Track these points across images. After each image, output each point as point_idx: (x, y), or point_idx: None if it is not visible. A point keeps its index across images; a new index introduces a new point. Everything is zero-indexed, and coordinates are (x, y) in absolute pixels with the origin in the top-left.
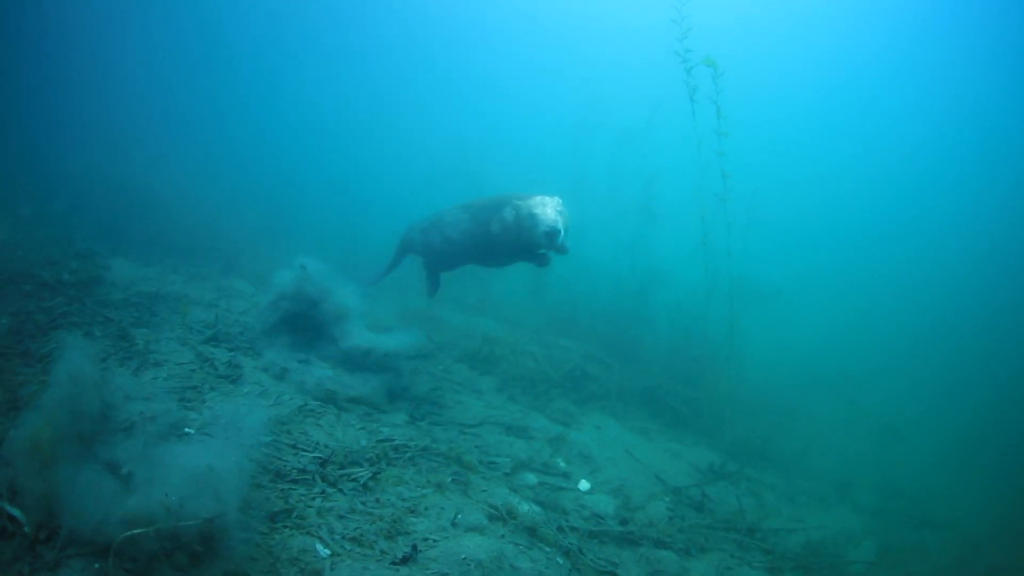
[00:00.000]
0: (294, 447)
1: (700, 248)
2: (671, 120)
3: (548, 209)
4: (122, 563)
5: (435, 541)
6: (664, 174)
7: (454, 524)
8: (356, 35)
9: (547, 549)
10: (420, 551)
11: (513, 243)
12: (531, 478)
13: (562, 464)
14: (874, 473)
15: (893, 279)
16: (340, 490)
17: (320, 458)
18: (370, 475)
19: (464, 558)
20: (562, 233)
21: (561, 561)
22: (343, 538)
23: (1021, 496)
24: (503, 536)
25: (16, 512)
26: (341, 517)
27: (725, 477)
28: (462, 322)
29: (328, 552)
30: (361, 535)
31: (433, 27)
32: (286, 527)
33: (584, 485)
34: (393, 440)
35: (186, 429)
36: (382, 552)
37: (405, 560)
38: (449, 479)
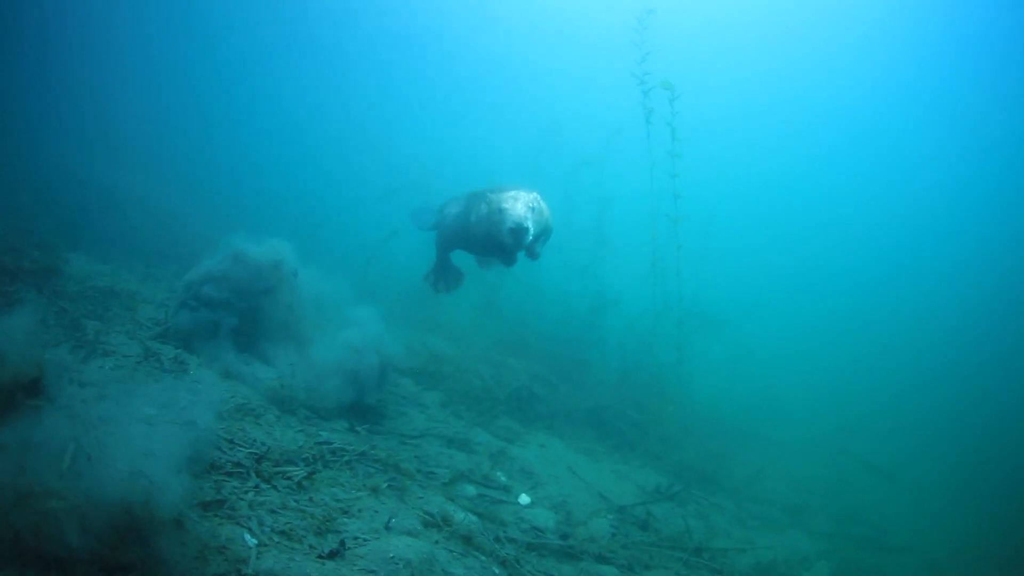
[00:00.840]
0: (231, 441)
1: (651, 272)
2: (630, 145)
3: (519, 204)
4: None
5: (365, 540)
6: (620, 199)
7: (387, 528)
8: (325, 47)
9: (482, 558)
10: (348, 548)
11: (484, 236)
12: (470, 489)
13: (503, 478)
14: (828, 498)
15: (844, 305)
16: (274, 486)
17: (256, 454)
18: (305, 474)
19: (392, 556)
20: (530, 232)
21: (497, 571)
22: (272, 531)
23: (982, 519)
24: (437, 542)
25: None
26: (272, 511)
27: (671, 498)
28: (409, 338)
29: (255, 542)
30: (291, 529)
31: (395, 46)
32: (217, 516)
33: (524, 499)
34: (332, 444)
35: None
36: (310, 547)
37: (332, 555)
38: (385, 485)
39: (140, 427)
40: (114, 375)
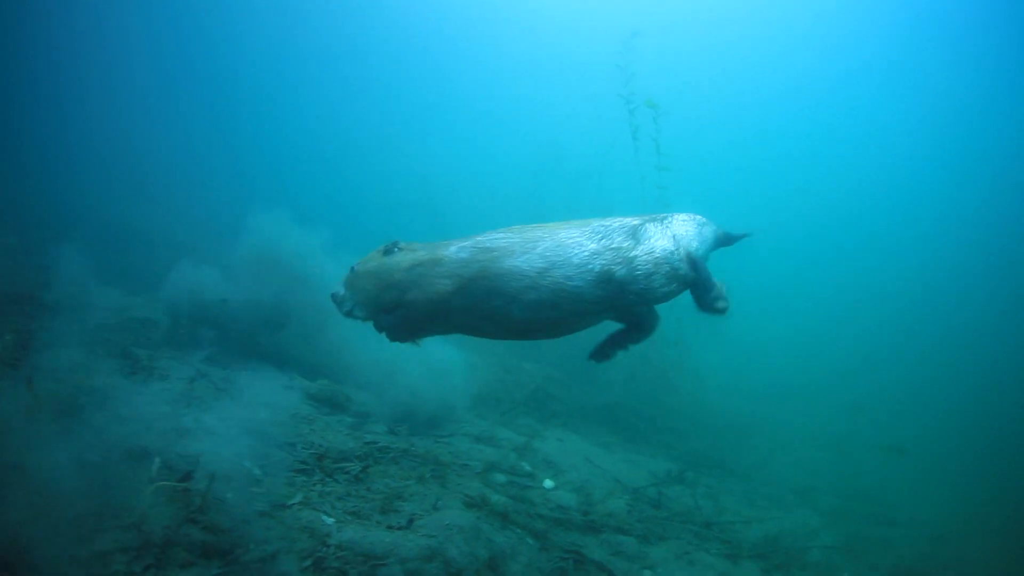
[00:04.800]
0: (292, 444)
1: None
2: (626, 157)
3: None
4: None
5: (421, 516)
6: (621, 207)
7: (435, 508)
8: (331, 63)
9: (518, 530)
10: (413, 520)
11: None
12: (500, 477)
13: (527, 467)
14: (835, 479)
15: (842, 296)
16: (335, 479)
17: (316, 454)
18: (360, 468)
19: (447, 524)
20: None
21: (531, 541)
22: (344, 512)
23: (989, 494)
24: (479, 518)
25: None
26: (339, 499)
27: (681, 481)
28: (430, 348)
29: (333, 520)
30: (359, 510)
31: (400, 63)
32: (295, 505)
33: (548, 483)
34: (377, 443)
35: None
36: (377, 522)
37: (402, 527)
38: (428, 474)
39: (213, 437)
40: (173, 396)
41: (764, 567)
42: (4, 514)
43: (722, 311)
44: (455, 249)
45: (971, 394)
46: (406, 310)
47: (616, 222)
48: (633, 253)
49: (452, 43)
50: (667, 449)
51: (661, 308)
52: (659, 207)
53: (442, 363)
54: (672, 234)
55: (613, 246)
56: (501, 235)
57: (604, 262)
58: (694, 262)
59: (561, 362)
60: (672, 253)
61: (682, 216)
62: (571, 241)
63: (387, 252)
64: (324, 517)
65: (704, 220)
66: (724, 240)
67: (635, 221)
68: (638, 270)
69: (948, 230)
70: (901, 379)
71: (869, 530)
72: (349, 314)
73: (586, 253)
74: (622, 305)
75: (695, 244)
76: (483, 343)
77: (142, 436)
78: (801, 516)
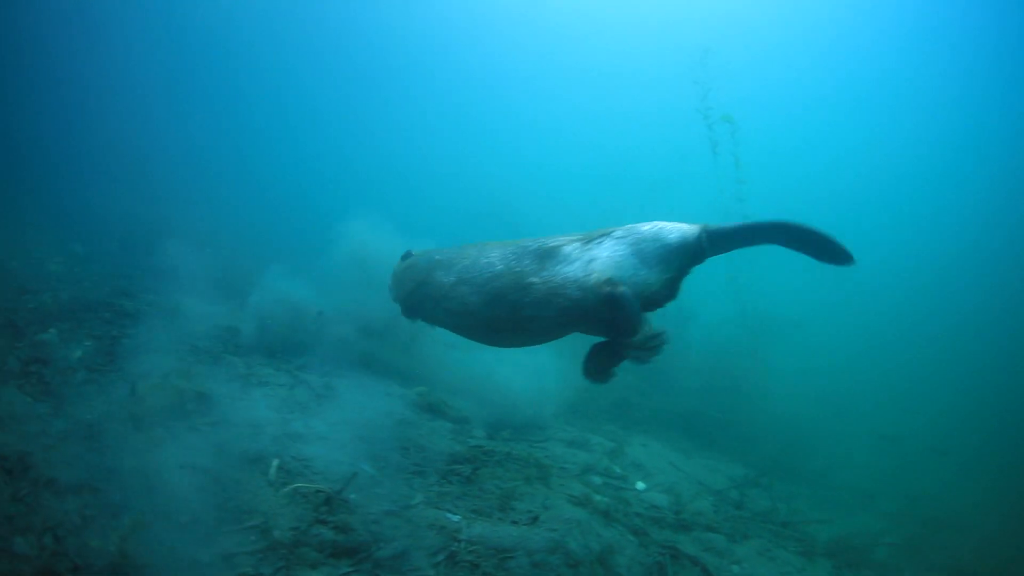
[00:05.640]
0: (405, 448)
1: (726, 286)
2: (695, 170)
3: None
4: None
5: (539, 512)
6: (692, 220)
7: (545, 507)
8: (395, 79)
9: (619, 528)
10: (537, 517)
11: None
12: (596, 479)
13: (618, 470)
14: (895, 485)
15: (909, 307)
16: (449, 481)
17: (429, 456)
18: (471, 471)
19: (567, 518)
20: None
21: (631, 538)
22: (466, 510)
23: None
24: (588, 515)
25: None
26: (458, 499)
27: (757, 485)
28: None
29: (459, 518)
30: (480, 508)
31: (473, 79)
32: (417, 505)
33: (640, 485)
34: (482, 447)
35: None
36: (499, 519)
37: (530, 521)
38: (533, 476)
39: (324, 441)
40: (275, 402)
41: (836, 564)
42: (117, 519)
43: (636, 357)
44: (425, 258)
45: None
46: (402, 301)
47: (536, 243)
48: (530, 280)
49: (529, 59)
50: (740, 455)
51: (737, 324)
52: (737, 217)
53: (533, 371)
54: (591, 257)
55: (516, 269)
56: (457, 249)
57: (500, 285)
58: (611, 295)
59: (640, 371)
60: (574, 281)
61: (620, 232)
62: (485, 262)
63: (403, 259)
64: (449, 515)
65: (647, 236)
66: (688, 252)
67: (560, 241)
68: (528, 296)
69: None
70: (953, 381)
71: (925, 532)
72: (394, 302)
73: (487, 275)
74: (546, 325)
75: (625, 270)
76: (569, 351)
77: (254, 440)
78: (864, 519)
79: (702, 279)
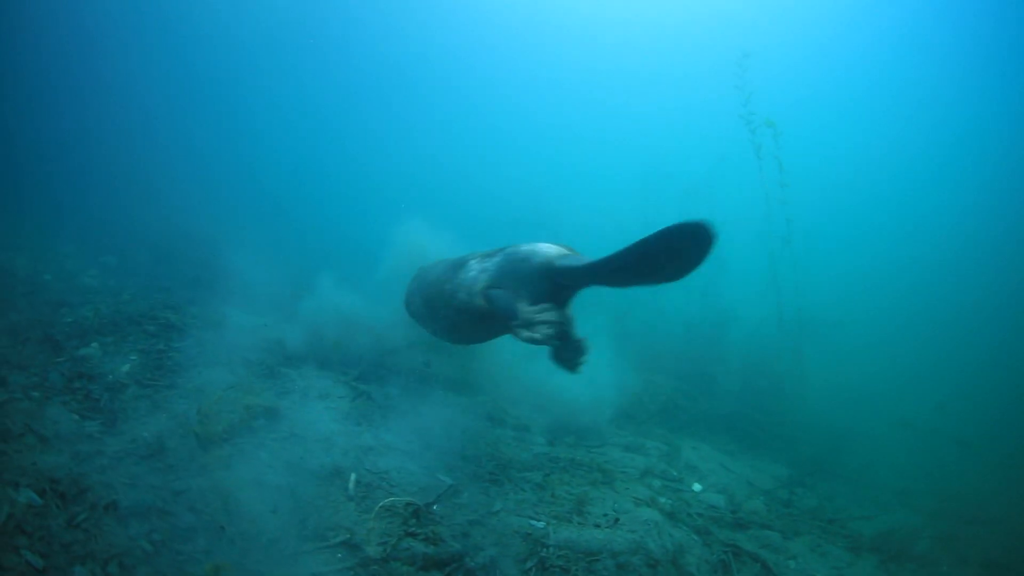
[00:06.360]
0: (476, 457)
1: (765, 288)
2: (733, 173)
3: None
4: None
5: (616, 515)
6: (730, 223)
7: (615, 509)
8: (446, 90)
9: (684, 528)
10: (618, 519)
11: None
12: (656, 482)
13: (675, 473)
14: (930, 482)
15: (948, 307)
16: (521, 488)
17: (499, 464)
18: (542, 477)
19: (645, 520)
20: None
21: (696, 537)
22: (547, 515)
23: None
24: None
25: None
26: (535, 505)
27: (802, 484)
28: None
29: (543, 524)
30: (558, 514)
31: (518, 89)
32: (499, 512)
33: (697, 487)
34: (547, 454)
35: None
36: (579, 523)
37: (612, 523)
38: (599, 480)
39: (396, 452)
40: (338, 414)
41: (881, 559)
42: (191, 542)
43: (540, 343)
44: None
45: None
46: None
47: (459, 258)
48: (444, 287)
49: (564, 68)
50: (783, 455)
51: (777, 326)
52: (780, 223)
53: (586, 379)
54: (482, 268)
55: (442, 279)
56: (433, 263)
57: (432, 293)
58: (489, 296)
59: (684, 373)
60: (466, 287)
61: (509, 250)
62: (432, 275)
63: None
64: (532, 521)
65: (520, 255)
66: (547, 277)
67: (469, 257)
68: (442, 300)
69: None
70: (995, 379)
71: (959, 529)
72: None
73: (428, 284)
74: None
75: (499, 280)
76: (623, 362)
77: (326, 454)
78: (902, 515)
79: (742, 281)
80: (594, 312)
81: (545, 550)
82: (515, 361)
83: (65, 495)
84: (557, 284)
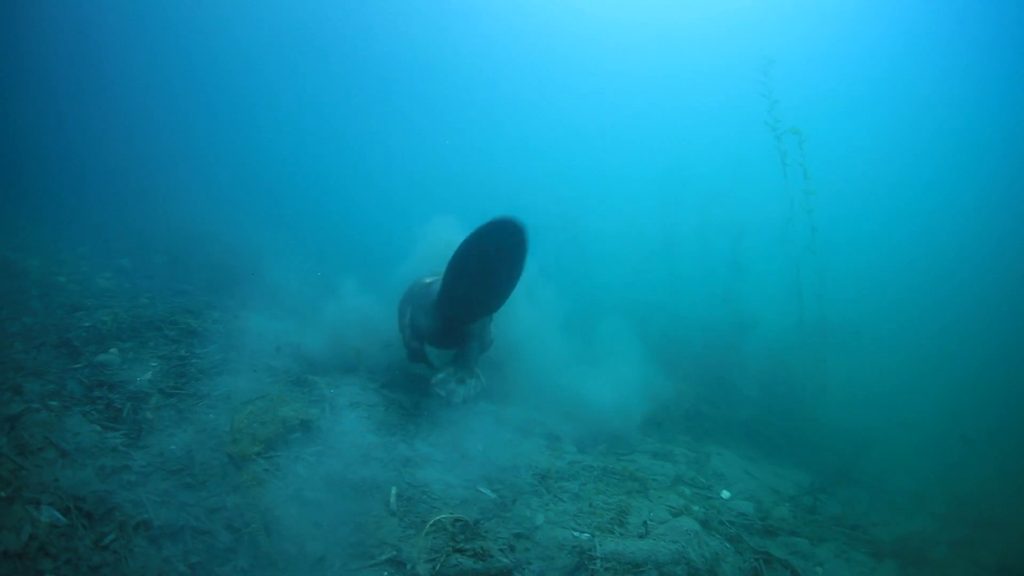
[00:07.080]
0: (515, 467)
1: (785, 294)
2: (753, 180)
3: None
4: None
5: (657, 525)
6: (749, 228)
7: (650, 518)
8: (474, 95)
9: (718, 536)
10: (650, 528)
11: None
12: (686, 490)
13: (704, 480)
14: (945, 487)
15: (973, 314)
16: (560, 499)
17: (540, 475)
18: (578, 487)
19: (686, 529)
20: None
21: (728, 545)
22: (589, 527)
23: None
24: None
25: None
26: (575, 516)
27: (823, 491)
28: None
29: (588, 535)
30: (600, 524)
31: (533, 90)
32: (542, 525)
33: (726, 494)
34: (581, 462)
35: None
36: (621, 534)
37: (642, 536)
38: (634, 489)
39: (434, 464)
40: (372, 424)
41: (901, 564)
42: (230, 563)
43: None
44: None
45: None
46: None
47: (429, 277)
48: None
49: (588, 73)
50: (804, 461)
51: (797, 333)
52: (805, 230)
53: (613, 387)
54: (412, 306)
55: (415, 293)
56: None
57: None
58: (412, 326)
59: (704, 379)
60: (404, 327)
61: (415, 288)
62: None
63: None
64: (576, 533)
65: (424, 286)
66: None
67: (431, 279)
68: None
69: None
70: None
71: (973, 533)
72: None
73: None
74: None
75: (418, 313)
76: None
77: (364, 467)
78: (919, 520)
79: (761, 287)
80: (615, 318)
81: (593, 563)
82: (542, 371)
83: (91, 514)
84: (446, 318)
